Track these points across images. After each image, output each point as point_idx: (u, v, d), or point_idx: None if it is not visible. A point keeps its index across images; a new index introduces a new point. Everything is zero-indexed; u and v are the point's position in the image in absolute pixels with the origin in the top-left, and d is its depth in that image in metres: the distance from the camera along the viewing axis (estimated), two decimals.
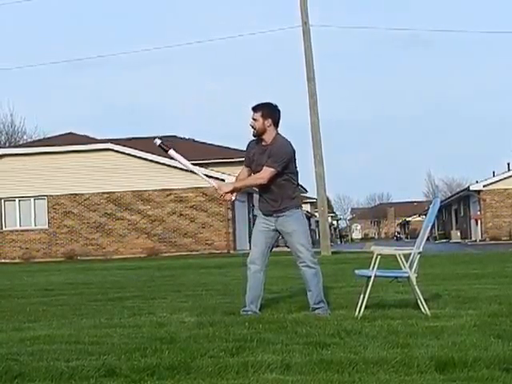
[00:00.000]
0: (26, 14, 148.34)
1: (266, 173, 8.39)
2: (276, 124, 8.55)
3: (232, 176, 39.18)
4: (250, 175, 8.72)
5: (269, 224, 8.62)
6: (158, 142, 8.83)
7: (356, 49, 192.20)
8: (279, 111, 8.60)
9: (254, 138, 8.66)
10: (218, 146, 49.01)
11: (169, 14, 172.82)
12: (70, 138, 41.63)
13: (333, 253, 31.60)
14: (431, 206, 8.69)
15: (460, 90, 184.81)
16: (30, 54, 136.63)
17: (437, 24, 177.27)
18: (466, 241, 55.26)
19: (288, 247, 8.77)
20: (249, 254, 8.74)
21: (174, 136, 51.72)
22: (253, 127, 8.51)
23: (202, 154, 46.06)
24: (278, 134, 8.56)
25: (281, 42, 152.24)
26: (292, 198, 8.58)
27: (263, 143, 8.53)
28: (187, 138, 52.45)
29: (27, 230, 39.70)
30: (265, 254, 8.66)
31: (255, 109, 8.53)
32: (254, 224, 8.94)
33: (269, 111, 8.51)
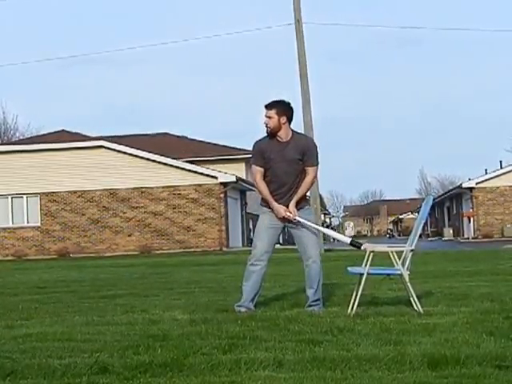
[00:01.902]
0: (21, 11, 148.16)
1: (314, 172, 8.56)
2: (290, 121, 8.56)
3: (226, 173, 39.17)
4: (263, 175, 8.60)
5: (277, 220, 8.58)
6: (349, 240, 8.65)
7: (354, 47, 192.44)
8: (292, 108, 8.62)
9: (260, 138, 8.62)
10: (211, 144, 48.97)
11: (167, 11, 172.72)
12: (63, 136, 41.60)
13: (325, 250, 31.60)
14: (424, 203, 8.69)
15: (457, 89, 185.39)
16: (24, 51, 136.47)
17: (435, 23, 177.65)
18: (459, 238, 55.31)
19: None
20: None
21: (167, 133, 51.70)
22: (267, 125, 8.48)
23: (195, 151, 46.06)
24: (293, 130, 8.58)
25: (275, 41, 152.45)
26: (306, 195, 8.77)
27: (279, 140, 8.50)
28: (180, 135, 52.39)
29: (20, 228, 39.64)
30: (270, 250, 8.65)
31: (269, 106, 8.49)
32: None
33: (283, 108, 8.50)
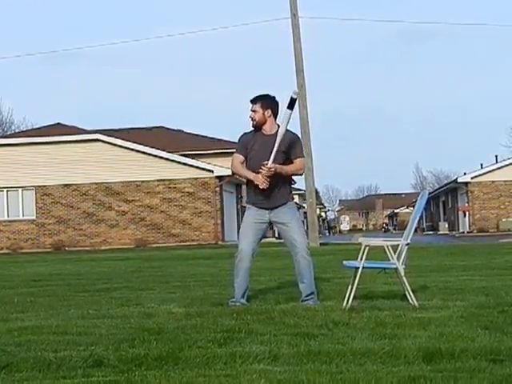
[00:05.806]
0: (17, 5, 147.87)
1: (302, 163, 8.69)
2: (275, 114, 8.62)
3: (222, 167, 39.15)
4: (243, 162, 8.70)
5: (261, 216, 8.62)
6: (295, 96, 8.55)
7: (352, 43, 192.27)
8: (277, 102, 8.71)
9: (247, 131, 8.71)
10: (207, 137, 48.93)
11: (155, 7, 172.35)
12: (59, 129, 41.53)
13: (321, 244, 31.64)
14: (419, 197, 8.70)
15: (454, 85, 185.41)
16: (18, 45, 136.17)
17: (430, 18, 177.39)
18: (454, 232, 55.37)
19: (281, 238, 8.78)
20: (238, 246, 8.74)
21: (162, 127, 51.62)
22: (252, 119, 8.58)
23: (191, 145, 46.01)
24: (278, 124, 8.61)
25: (271, 34, 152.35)
26: (290, 191, 8.79)
27: (264, 133, 8.58)
28: (176, 129, 52.32)
29: (15, 221, 39.60)
30: (255, 246, 8.67)
31: (254, 100, 8.62)
32: (243, 215, 8.91)
33: (268, 102, 8.62)
